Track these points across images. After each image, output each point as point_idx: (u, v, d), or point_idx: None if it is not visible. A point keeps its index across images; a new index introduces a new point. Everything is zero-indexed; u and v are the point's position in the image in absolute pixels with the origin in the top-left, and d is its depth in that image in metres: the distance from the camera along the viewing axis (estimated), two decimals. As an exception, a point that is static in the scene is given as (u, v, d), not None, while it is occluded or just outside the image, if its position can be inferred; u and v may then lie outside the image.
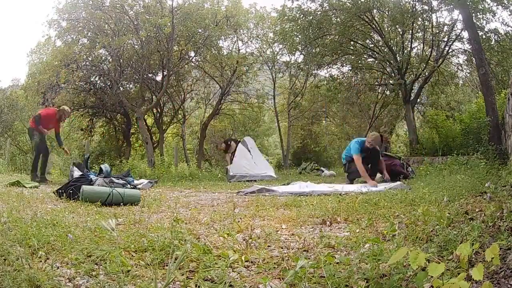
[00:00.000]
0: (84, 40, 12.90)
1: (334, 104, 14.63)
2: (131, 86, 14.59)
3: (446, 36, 11.74)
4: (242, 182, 7.90)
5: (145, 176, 8.59)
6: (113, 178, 4.69)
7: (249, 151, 9.76)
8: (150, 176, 8.71)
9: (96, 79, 13.58)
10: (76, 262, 1.67)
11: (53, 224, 2.35)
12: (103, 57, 13.35)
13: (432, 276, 1.11)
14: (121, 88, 13.59)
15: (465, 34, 10.59)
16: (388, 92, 14.49)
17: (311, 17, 11.66)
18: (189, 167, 11.62)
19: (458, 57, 12.70)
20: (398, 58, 11.66)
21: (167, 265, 1.68)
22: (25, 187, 5.39)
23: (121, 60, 12.37)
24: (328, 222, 2.67)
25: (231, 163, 9.40)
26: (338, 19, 11.80)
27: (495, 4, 9.82)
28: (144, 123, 13.44)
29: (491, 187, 2.94)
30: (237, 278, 1.57)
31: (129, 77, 13.35)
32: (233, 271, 1.66)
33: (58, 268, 1.62)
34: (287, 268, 1.61)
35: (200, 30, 13.14)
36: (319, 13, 11.67)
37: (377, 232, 2.27)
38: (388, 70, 12.64)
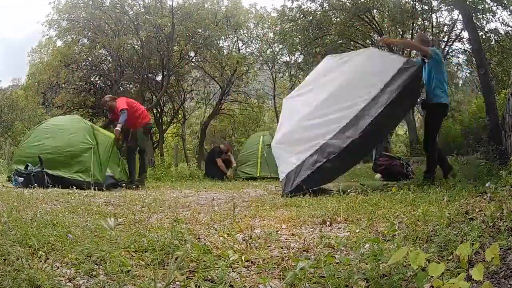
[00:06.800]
0: (84, 40, 12.95)
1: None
2: (131, 86, 14.60)
3: (446, 36, 11.75)
4: (242, 182, 7.88)
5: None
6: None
7: None
8: (150, 176, 8.02)
9: (96, 79, 13.59)
10: (76, 262, 1.67)
11: (53, 224, 2.34)
12: (103, 57, 13.38)
13: (432, 276, 1.11)
14: (121, 88, 13.61)
15: (465, 34, 10.62)
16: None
17: (311, 17, 11.66)
18: (189, 167, 11.61)
19: (458, 57, 12.73)
20: (398, 58, 11.64)
21: (167, 265, 1.68)
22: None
23: (121, 60, 12.39)
24: (328, 222, 2.66)
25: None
26: (338, 19, 11.81)
27: (495, 4, 9.83)
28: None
29: (491, 187, 2.93)
30: (237, 278, 1.56)
31: (129, 77, 13.37)
32: (233, 271, 1.65)
33: (58, 268, 1.61)
34: (287, 268, 1.61)
35: (200, 30, 13.16)
36: (319, 13, 11.68)
37: (377, 232, 2.26)
38: (388, 70, 12.62)
